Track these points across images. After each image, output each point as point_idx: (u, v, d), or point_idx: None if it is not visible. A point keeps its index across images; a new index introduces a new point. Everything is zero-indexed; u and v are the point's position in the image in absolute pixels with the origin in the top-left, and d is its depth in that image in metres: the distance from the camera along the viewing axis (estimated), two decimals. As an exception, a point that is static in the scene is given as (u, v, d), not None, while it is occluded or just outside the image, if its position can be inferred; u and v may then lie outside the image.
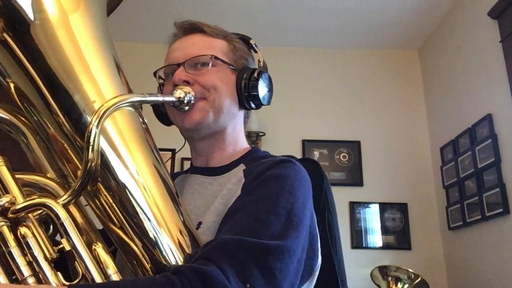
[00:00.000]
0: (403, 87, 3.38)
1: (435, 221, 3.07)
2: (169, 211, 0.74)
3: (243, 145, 0.95)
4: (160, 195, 0.74)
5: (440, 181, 3.01)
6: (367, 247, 3.03)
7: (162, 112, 0.95)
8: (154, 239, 0.71)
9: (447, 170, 2.94)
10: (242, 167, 0.86)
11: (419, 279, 2.48)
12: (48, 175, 0.78)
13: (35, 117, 0.73)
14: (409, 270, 2.51)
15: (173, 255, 0.71)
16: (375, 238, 3.06)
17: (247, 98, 0.90)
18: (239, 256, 0.64)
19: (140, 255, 0.71)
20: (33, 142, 0.78)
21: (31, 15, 0.70)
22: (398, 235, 3.06)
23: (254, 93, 0.89)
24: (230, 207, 0.76)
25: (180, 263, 0.70)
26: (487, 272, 2.49)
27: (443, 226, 2.99)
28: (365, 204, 3.10)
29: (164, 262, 0.70)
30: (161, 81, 0.94)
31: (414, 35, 3.28)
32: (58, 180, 0.76)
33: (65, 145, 0.71)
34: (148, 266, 0.71)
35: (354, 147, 3.23)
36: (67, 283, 0.62)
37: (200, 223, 0.80)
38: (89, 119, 0.68)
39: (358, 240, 3.03)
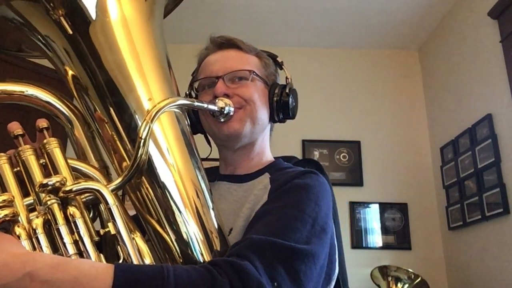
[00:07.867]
0: (403, 87, 3.38)
1: (435, 221, 3.07)
2: (204, 211, 0.78)
3: (268, 156, 1.02)
4: (198, 195, 0.78)
5: (440, 181, 3.01)
6: (367, 247, 3.03)
7: (191, 120, 0.98)
8: (188, 235, 0.75)
9: (447, 170, 2.94)
10: (267, 175, 0.92)
11: (419, 279, 2.48)
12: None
13: (87, 106, 0.78)
14: (409, 270, 2.51)
15: (204, 252, 0.75)
16: (375, 238, 3.06)
17: (278, 112, 0.97)
18: (268, 256, 0.67)
19: (173, 249, 0.75)
20: (79, 130, 0.81)
21: (93, 14, 0.76)
22: (398, 235, 3.06)
23: (286, 107, 0.97)
24: (258, 211, 0.81)
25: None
26: (487, 272, 2.49)
27: (443, 226, 2.99)
28: (365, 204, 3.10)
29: (195, 258, 0.74)
30: (193, 92, 1.00)
31: (414, 35, 3.28)
32: (101, 170, 0.79)
33: (114, 136, 0.76)
34: (179, 260, 0.74)
35: (354, 147, 3.23)
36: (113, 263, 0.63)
37: (231, 230, 0.83)
38: (141, 116, 0.74)
39: (358, 240, 3.03)
